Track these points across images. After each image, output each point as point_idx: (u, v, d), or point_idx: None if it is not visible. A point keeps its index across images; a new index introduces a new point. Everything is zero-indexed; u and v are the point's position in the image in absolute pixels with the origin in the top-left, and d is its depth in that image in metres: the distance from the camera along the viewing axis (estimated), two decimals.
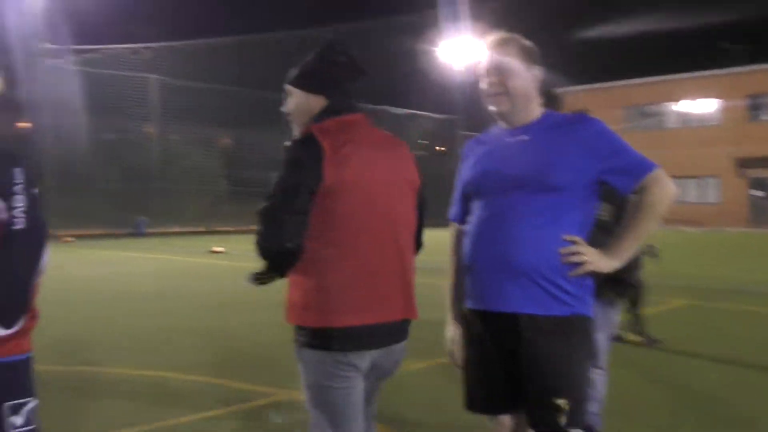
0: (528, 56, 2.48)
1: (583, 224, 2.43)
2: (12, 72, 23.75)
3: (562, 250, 2.36)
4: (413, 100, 34.87)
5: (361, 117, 2.50)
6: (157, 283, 11.80)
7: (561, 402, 2.35)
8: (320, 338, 2.33)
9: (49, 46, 23.07)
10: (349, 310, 2.32)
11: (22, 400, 2.20)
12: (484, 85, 2.51)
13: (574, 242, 2.38)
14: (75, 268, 13.35)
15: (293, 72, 2.54)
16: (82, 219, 23.63)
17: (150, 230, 24.80)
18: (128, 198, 25.96)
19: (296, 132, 2.53)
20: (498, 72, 2.46)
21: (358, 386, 2.39)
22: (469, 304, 2.53)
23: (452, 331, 2.67)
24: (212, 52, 26.71)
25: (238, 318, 8.30)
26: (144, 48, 25.54)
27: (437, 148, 38.57)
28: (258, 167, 25.14)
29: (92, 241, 21.21)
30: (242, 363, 6.12)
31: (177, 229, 25.29)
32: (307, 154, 2.32)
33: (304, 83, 2.51)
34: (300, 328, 2.38)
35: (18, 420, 2.19)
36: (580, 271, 2.37)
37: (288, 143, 2.43)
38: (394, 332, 2.44)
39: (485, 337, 2.48)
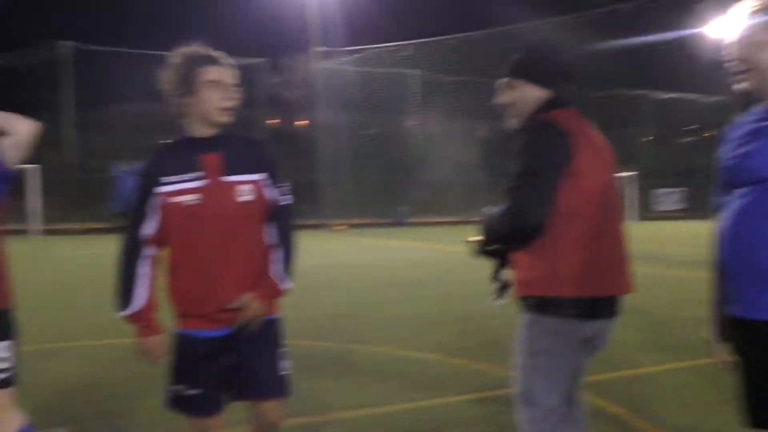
0: None
1: None
2: (292, 73, 26.17)
3: None
4: (679, 82, 32.54)
5: (576, 111, 2.63)
6: (418, 270, 12.35)
7: None
8: (554, 306, 2.52)
9: (323, 48, 24.97)
10: (584, 281, 2.51)
11: (284, 349, 2.81)
12: (729, 60, 2.24)
13: None
14: (344, 255, 14.43)
15: (518, 64, 2.70)
16: (352, 209, 25.34)
17: (411, 220, 25.91)
18: (391, 189, 27.37)
19: (514, 123, 2.72)
20: (743, 45, 2.17)
21: (578, 356, 2.60)
22: (725, 308, 2.35)
23: (714, 334, 2.48)
24: (468, 45, 27.16)
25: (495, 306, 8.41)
26: (405, 45, 26.67)
27: (705, 134, 35.66)
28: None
29: (359, 229, 22.69)
30: (500, 349, 6.22)
31: (437, 219, 26.15)
32: (553, 138, 2.49)
33: (533, 76, 2.66)
34: (533, 298, 2.57)
35: (284, 364, 2.81)
36: None
37: (524, 129, 2.62)
38: (614, 306, 2.60)
39: (742, 345, 2.28)
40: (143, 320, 2.69)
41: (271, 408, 2.77)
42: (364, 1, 29.85)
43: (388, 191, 27.26)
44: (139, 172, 2.73)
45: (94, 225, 22.08)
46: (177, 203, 2.62)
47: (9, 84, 21.35)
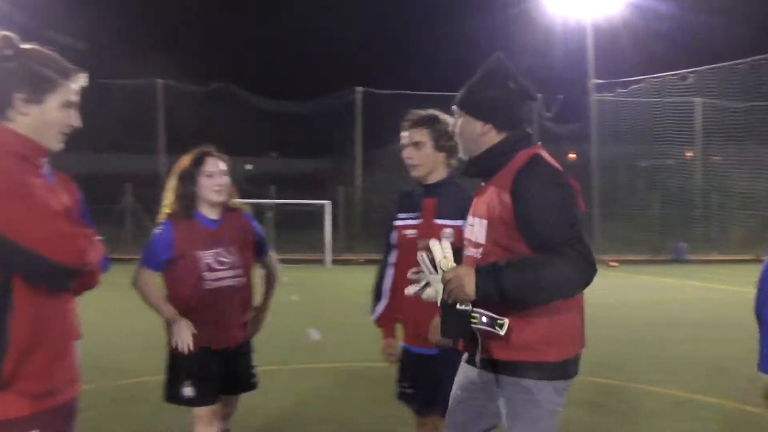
0: None
1: None
2: (565, 107, 26.15)
3: None
4: None
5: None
6: (699, 311, 11.74)
7: None
8: (561, 369, 2.47)
9: (599, 81, 24.69)
10: (577, 341, 2.53)
11: None
12: None
13: None
14: (619, 292, 14.10)
15: None
16: (625, 244, 24.54)
17: (690, 257, 24.43)
18: (668, 223, 26.02)
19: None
20: None
21: None
22: None
23: None
24: (759, 70, 25.10)
25: None
26: (689, 73, 25.40)
27: None
28: None
29: (634, 266, 21.88)
30: None
31: (718, 257, 24.36)
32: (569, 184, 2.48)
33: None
34: (537, 364, 2.44)
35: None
36: None
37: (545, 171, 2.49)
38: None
39: None
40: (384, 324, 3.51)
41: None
42: (642, 30, 29.05)
43: (665, 226, 25.97)
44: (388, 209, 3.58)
45: (375, 257, 23.68)
46: (404, 236, 3.37)
47: (311, 128, 24.01)
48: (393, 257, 3.47)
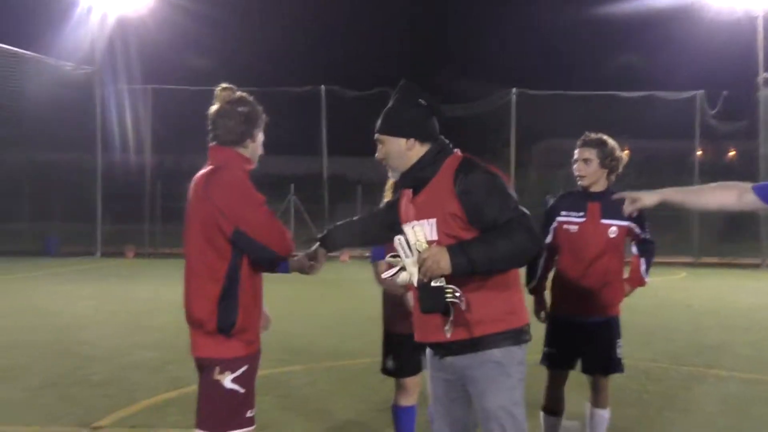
0: None
1: None
2: (729, 104, 25.02)
3: None
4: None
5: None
6: None
7: None
8: (526, 334, 2.91)
9: (766, 75, 23.45)
10: (526, 310, 2.97)
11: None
12: None
13: None
14: None
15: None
16: None
17: None
18: None
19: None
20: None
21: None
22: None
23: None
24: None
25: None
26: None
27: None
28: None
29: None
30: None
31: None
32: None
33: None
34: (508, 332, 2.85)
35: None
36: None
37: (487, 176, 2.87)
38: None
39: None
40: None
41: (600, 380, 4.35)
42: None
43: None
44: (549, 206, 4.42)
45: None
46: (566, 230, 4.23)
47: (465, 129, 24.45)
48: (547, 241, 4.32)
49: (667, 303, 12.92)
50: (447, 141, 2.98)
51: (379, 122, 2.97)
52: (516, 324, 2.86)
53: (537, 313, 4.45)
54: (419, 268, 2.64)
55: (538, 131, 29.45)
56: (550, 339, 4.40)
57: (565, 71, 47.28)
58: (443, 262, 2.60)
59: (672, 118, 24.38)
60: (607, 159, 4.20)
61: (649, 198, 3.01)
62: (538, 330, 4.37)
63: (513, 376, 2.84)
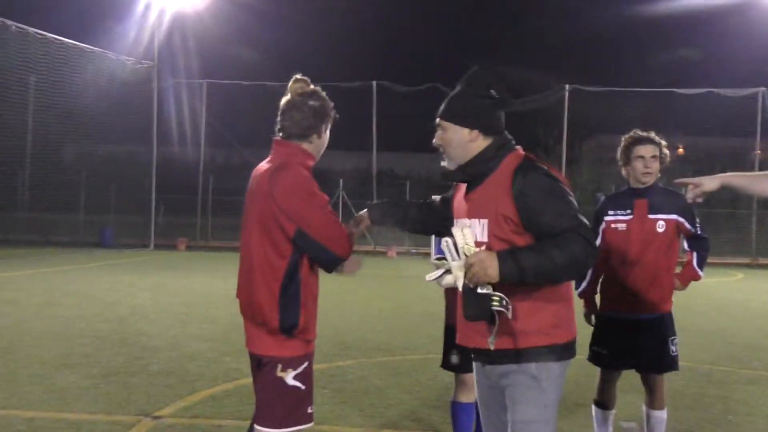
0: None
1: None
2: None
3: None
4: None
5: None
6: None
7: None
8: (569, 350, 2.74)
9: None
10: (574, 324, 2.81)
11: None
12: None
13: None
14: None
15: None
16: None
17: None
18: None
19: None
20: None
21: None
22: None
23: None
24: None
25: None
26: None
27: None
28: None
29: None
30: None
31: None
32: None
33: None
34: (549, 347, 2.68)
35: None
36: None
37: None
38: None
39: None
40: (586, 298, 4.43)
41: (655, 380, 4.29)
42: None
43: None
44: (596, 207, 4.42)
45: None
46: (614, 229, 4.24)
47: (518, 125, 24.33)
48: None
49: (725, 305, 12.64)
50: (510, 137, 2.81)
51: (443, 106, 2.80)
52: (560, 339, 2.69)
53: (587, 317, 4.45)
54: (465, 273, 2.48)
55: (591, 127, 29.08)
56: (599, 338, 4.37)
57: (620, 68, 46.57)
58: (491, 269, 2.44)
59: (731, 115, 23.79)
60: (663, 156, 4.26)
61: (710, 182, 2.97)
62: (588, 328, 4.41)
63: (548, 392, 2.68)
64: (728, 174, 3.03)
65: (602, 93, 24.25)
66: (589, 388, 4.40)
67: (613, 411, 4.45)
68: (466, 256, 2.48)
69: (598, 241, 4.27)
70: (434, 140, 2.81)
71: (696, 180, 3.02)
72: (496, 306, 2.47)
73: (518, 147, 2.79)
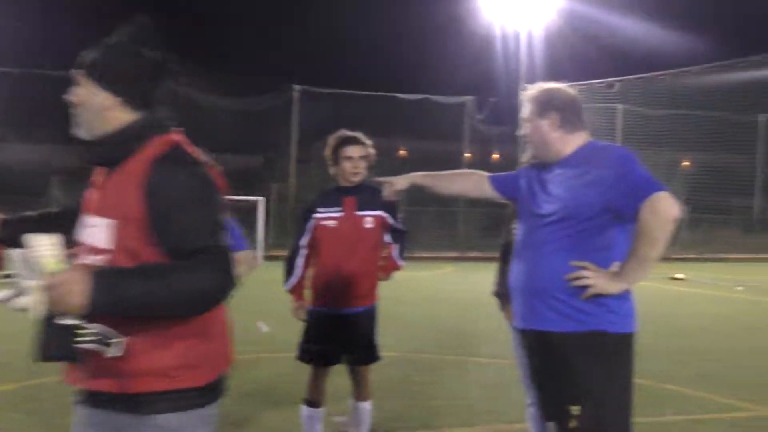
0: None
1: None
2: (496, 110, 26.91)
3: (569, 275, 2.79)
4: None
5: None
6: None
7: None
8: (210, 393, 2.10)
9: (527, 85, 25.59)
10: (225, 359, 2.23)
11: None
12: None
13: (582, 267, 2.77)
14: None
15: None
16: None
17: None
18: None
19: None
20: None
21: None
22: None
23: None
24: (676, 80, 26.50)
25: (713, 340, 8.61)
26: (615, 81, 26.60)
27: None
28: (721, 193, 24.19)
29: None
30: (723, 379, 6.76)
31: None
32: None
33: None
34: (176, 393, 2.01)
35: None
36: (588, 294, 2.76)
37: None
38: None
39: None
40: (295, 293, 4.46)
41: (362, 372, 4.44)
42: (572, 39, 30.16)
43: None
44: (304, 206, 4.63)
45: None
46: (324, 226, 4.35)
47: (248, 125, 24.11)
48: (305, 241, 4.45)
49: (435, 295, 13.59)
50: (169, 116, 2.15)
51: (88, 58, 2.09)
52: (189, 383, 2.01)
53: (297, 312, 4.49)
54: (45, 298, 1.80)
55: (321, 129, 29.76)
56: (311, 335, 4.42)
57: (351, 70, 48.32)
58: (77, 296, 1.78)
59: (444, 122, 25.87)
60: (370, 155, 4.44)
61: (400, 181, 3.26)
62: (297, 326, 4.41)
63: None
64: (416, 174, 3.34)
65: (332, 95, 24.98)
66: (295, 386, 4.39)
67: (323, 409, 4.47)
68: (50, 274, 1.81)
69: (307, 239, 4.40)
70: (70, 96, 2.11)
71: (390, 179, 3.29)
72: (86, 342, 1.85)
73: (175, 130, 2.13)
